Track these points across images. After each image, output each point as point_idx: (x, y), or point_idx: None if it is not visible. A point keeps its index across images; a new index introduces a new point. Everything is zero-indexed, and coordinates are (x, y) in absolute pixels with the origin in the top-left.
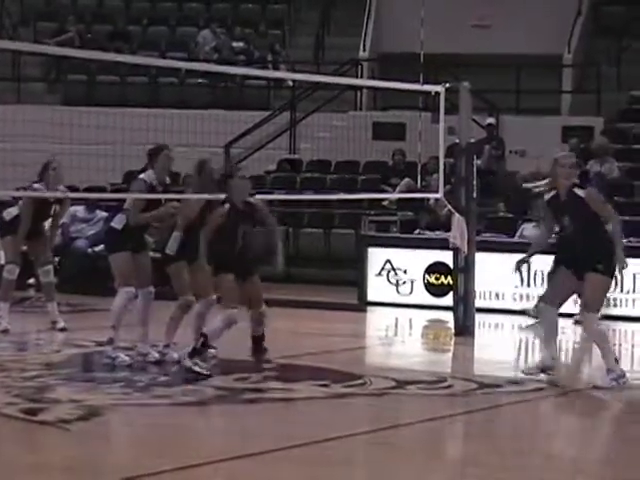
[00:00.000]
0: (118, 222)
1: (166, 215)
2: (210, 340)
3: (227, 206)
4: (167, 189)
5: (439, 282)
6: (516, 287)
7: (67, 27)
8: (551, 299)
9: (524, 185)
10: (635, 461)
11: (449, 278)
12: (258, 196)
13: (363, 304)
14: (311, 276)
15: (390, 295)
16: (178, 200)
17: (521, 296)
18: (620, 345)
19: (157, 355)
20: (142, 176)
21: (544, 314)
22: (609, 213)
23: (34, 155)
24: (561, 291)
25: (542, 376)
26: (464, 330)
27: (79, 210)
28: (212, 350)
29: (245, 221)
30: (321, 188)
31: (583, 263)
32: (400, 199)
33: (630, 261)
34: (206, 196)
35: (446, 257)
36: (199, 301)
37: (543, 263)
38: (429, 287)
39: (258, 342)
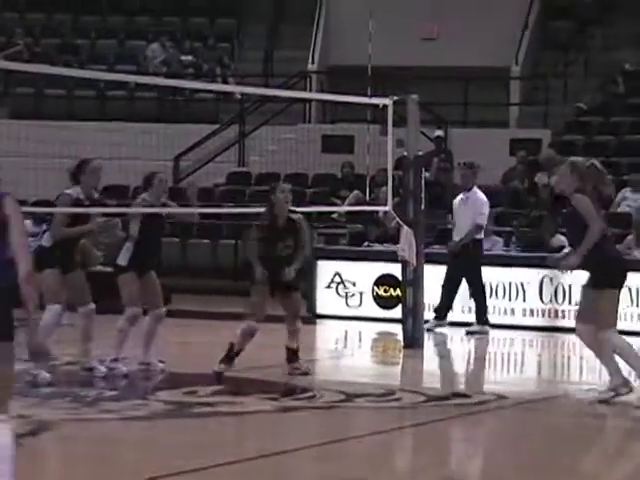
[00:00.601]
0: (46, 239)
1: (88, 231)
2: (235, 348)
3: (265, 221)
4: (95, 203)
5: (388, 294)
6: (464, 299)
7: (15, 40)
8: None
9: None
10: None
11: (398, 290)
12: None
13: (312, 317)
14: None
15: (339, 308)
16: (112, 214)
17: (469, 308)
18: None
19: (104, 369)
20: (68, 191)
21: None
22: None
23: None
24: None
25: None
26: (413, 342)
27: (27, 224)
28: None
29: (284, 237)
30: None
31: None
32: (349, 212)
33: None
34: (143, 210)
35: (395, 270)
36: (149, 313)
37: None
38: (378, 299)
39: (292, 354)
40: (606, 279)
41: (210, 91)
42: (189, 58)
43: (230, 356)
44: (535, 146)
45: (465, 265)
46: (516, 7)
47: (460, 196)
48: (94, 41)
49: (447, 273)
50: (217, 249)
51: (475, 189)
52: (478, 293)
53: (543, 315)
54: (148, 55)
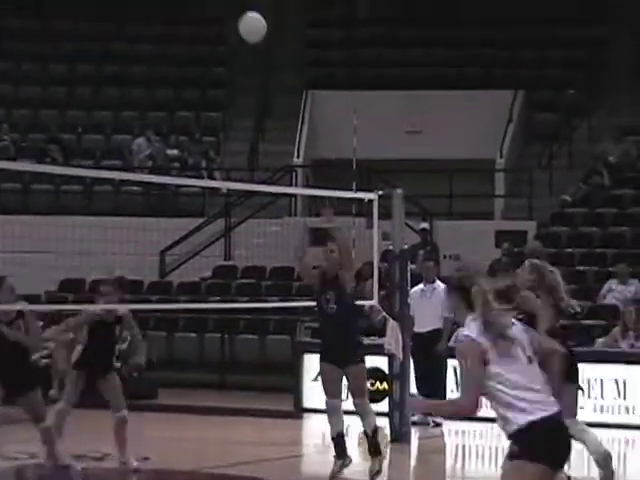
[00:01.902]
0: None
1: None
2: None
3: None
4: None
5: (375, 388)
6: (452, 392)
7: (1, 136)
8: None
9: None
10: None
11: (385, 384)
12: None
13: (299, 411)
14: (246, 383)
15: None
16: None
17: None
18: None
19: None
20: None
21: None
22: None
23: None
24: None
25: None
26: (400, 437)
27: None
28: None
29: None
30: (256, 294)
31: None
32: None
33: None
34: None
35: (382, 363)
36: (112, 413)
37: None
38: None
39: (370, 440)
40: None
41: (196, 186)
42: (175, 152)
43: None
44: (520, 238)
45: (432, 356)
46: (500, 100)
47: (421, 287)
48: (80, 136)
49: (415, 365)
50: (204, 342)
51: (437, 281)
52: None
53: None
54: (134, 149)
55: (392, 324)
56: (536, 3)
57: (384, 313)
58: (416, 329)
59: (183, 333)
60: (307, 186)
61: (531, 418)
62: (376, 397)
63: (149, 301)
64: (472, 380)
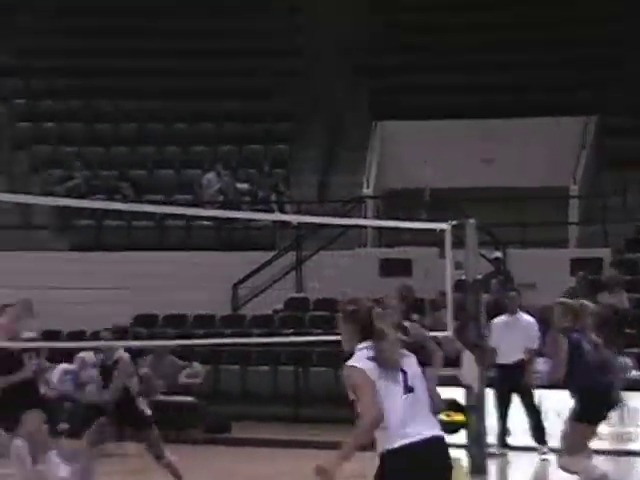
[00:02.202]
0: None
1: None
2: None
3: None
4: None
5: (451, 419)
6: (526, 423)
7: (74, 173)
8: None
9: None
10: None
11: (461, 415)
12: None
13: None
14: (320, 415)
15: None
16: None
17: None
18: None
19: None
20: None
21: None
22: None
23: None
24: None
25: None
26: (479, 469)
27: (89, 356)
28: None
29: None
30: (329, 326)
31: None
32: None
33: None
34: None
35: (457, 394)
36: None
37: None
38: (441, 425)
39: None
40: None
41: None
42: (245, 186)
43: None
44: (596, 265)
45: (518, 387)
46: (572, 126)
47: (504, 318)
48: (151, 171)
49: (499, 397)
50: (277, 375)
51: (520, 312)
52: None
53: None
54: (204, 184)
55: (467, 355)
56: (606, 24)
57: (459, 344)
58: (501, 361)
59: (256, 366)
60: (378, 217)
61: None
62: (452, 429)
63: (222, 335)
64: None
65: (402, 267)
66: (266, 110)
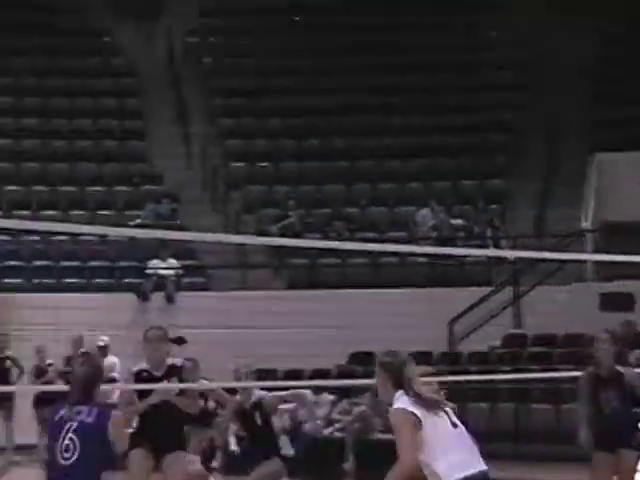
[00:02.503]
0: None
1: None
2: None
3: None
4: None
5: None
6: None
7: (288, 212)
8: None
9: None
10: None
11: None
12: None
13: None
14: (541, 452)
15: None
16: None
17: None
18: None
19: None
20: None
21: None
22: None
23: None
24: None
25: None
26: None
27: (307, 394)
28: None
29: (609, 389)
30: (548, 362)
31: None
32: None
33: None
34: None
35: None
36: None
37: None
38: None
39: None
40: None
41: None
42: (459, 221)
43: None
44: None
45: None
46: None
47: None
48: (364, 209)
49: None
50: (496, 412)
51: None
52: None
53: None
54: (418, 220)
55: None
56: None
57: None
58: None
59: (474, 403)
60: (597, 251)
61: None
62: None
63: (439, 372)
64: None
65: (623, 301)
66: (480, 144)
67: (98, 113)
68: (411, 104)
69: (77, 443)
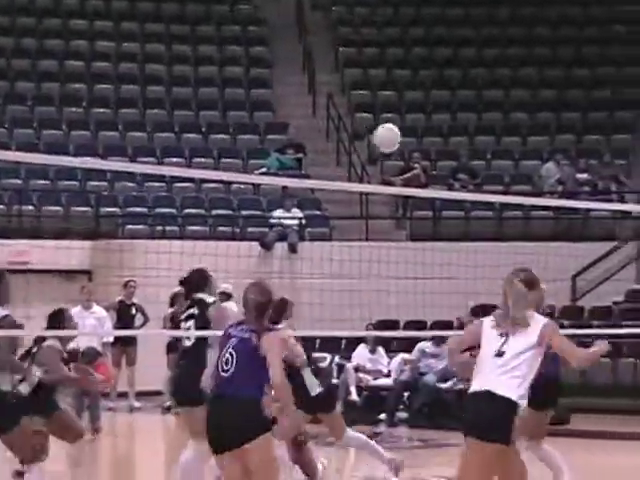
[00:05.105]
0: None
1: None
2: None
3: None
4: None
5: None
6: None
7: (412, 164)
8: None
9: None
10: None
11: None
12: None
13: None
14: None
15: None
16: None
17: None
18: None
19: None
20: None
21: None
22: None
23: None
24: None
25: None
26: None
27: (427, 345)
28: None
29: None
30: None
31: None
32: None
33: None
34: None
35: None
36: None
37: None
38: None
39: None
40: None
41: (606, 210)
42: (584, 176)
43: None
44: None
45: None
46: None
47: None
48: (489, 162)
49: None
50: (617, 368)
51: None
52: None
53: None
54: (543, 174)
55: None
56: None
57: None
58: None
59: None
60: None
61: None
62: None
63: (561, 326)
64: None
65: None
66: (609, 99)
67: (225, 61)
68: (544, 57)
69: (235, 357)
